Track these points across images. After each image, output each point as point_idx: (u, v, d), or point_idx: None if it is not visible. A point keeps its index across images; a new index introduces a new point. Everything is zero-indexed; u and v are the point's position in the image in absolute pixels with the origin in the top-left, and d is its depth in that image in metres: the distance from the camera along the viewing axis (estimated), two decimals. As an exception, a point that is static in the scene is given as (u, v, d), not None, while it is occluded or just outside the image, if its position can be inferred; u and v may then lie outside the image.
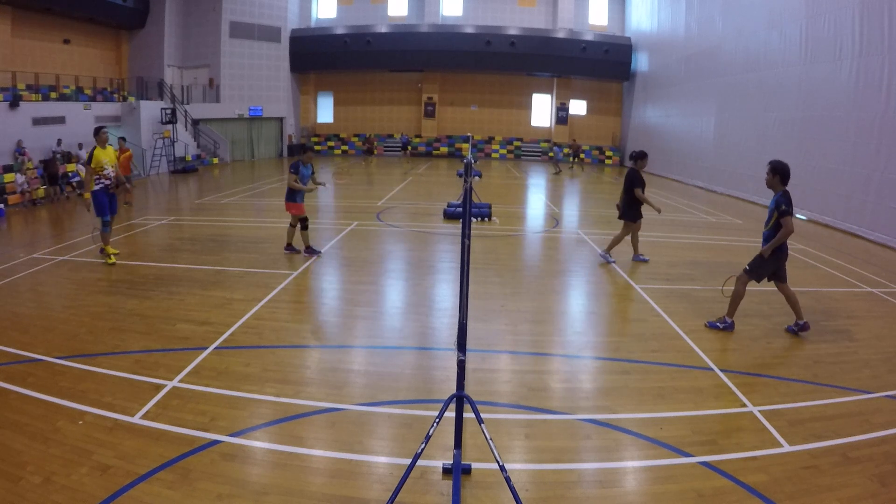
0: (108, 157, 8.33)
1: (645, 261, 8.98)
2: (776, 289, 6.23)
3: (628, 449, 3.92)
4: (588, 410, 4.38)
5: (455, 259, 8.92)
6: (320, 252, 8.95)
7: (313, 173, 8.85)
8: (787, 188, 5.85)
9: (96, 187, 8.22)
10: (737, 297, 6.14)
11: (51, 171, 15.04)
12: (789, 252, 6.17)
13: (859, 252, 10.67)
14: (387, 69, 31.90)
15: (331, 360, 5.28)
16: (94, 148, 8.20)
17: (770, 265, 5.99)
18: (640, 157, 8.60)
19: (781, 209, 5.74)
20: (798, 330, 6.12)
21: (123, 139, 15.70)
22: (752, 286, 6.26)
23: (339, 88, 33.57)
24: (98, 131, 8.32)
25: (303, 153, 8.78)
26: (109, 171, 8.33)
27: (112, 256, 8.19)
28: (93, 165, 8.17)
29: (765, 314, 6.71)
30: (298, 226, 8.84)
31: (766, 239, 5.97)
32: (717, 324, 6.22)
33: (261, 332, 5.78)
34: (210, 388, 4.54)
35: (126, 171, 14.52)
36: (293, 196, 8.61)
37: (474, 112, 33.26)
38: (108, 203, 8.35)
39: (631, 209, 8.65)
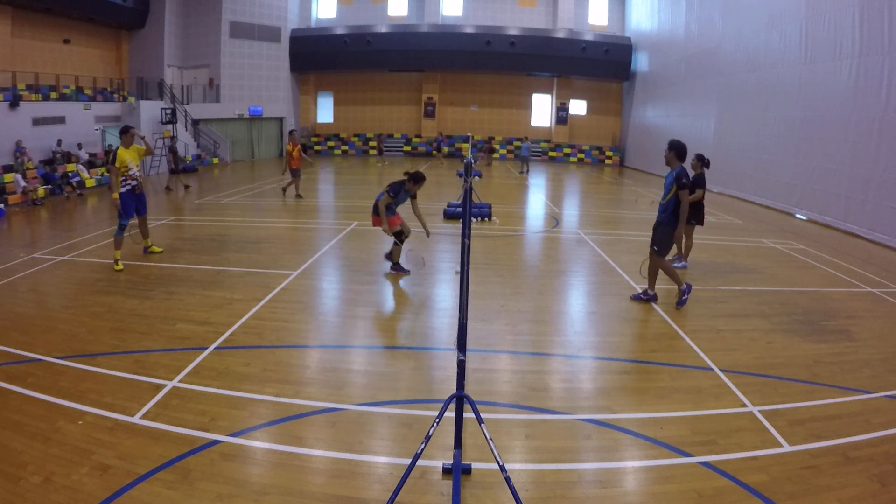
0: (131, 155, 8.17)
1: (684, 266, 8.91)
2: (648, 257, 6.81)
3: (628, 449, 3.92)
4: (588, 410, 4.38)
5: (455, 259, 8.91)
6: (409, 271, 8.01)
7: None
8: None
9: (123, 189, 8.11)
10: (654, 270, 6.75)
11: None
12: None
13: (859, 252, 10.67)
14: (387, 69, 31.86)
15: (331, 360, 5.28)
16: (118, 147, 8.08)
17: (669, 238, 6.56)
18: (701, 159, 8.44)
19: (681, 182, 6.21)
20: (646, 299, 6.82)
21: (293, 132, 16.39)
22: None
23: (339, 88, 33.54)
24: (127, 130, 8.25)
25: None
26: (135, 171, 8.22)
27: (119, 262, 8.01)
28: (116, 165, 8.04)
29: (765, 314, 6.72)
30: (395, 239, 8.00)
31: (662, 210, 6.48)
32: (641, 295, 6.91)
33: (261, 332, 5.78)
34: (210, 388, 4.54)
35: (297, 163, 15.00)
36: (377, 209, 7.71)
37: (474, 112, 33.26)
38: (133, 206, 8.26)
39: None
